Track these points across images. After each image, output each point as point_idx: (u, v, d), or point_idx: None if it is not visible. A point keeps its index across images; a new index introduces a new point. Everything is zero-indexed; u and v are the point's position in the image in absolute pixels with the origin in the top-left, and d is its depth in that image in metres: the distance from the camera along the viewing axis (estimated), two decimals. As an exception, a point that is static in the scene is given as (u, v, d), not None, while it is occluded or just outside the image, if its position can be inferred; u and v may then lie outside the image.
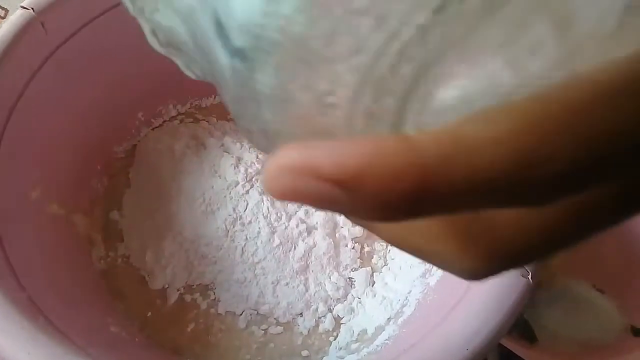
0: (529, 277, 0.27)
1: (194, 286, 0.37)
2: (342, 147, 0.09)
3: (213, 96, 0.46)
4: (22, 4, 0.33)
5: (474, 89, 0.10)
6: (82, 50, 0.36)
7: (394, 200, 0.09)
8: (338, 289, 0.37)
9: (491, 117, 0.09)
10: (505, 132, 0.09)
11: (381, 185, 0.09)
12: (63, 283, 0.33)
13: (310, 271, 0.38)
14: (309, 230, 0.38)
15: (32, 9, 0.33)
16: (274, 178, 0.10)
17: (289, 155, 0.09)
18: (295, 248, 0.38)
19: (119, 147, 0.42)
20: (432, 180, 0.09)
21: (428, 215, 0.10)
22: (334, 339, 0.36)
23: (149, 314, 0.37)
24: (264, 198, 0.38)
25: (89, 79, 0.37)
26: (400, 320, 0.34)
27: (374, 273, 0.39)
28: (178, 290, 0.37)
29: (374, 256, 0.39)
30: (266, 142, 0.13)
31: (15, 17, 0.33)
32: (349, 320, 0.37)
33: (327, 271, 0.38)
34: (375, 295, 0.37)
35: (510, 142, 0.09)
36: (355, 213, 0.10)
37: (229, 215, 0.38)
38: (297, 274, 0.37)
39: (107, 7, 0.35)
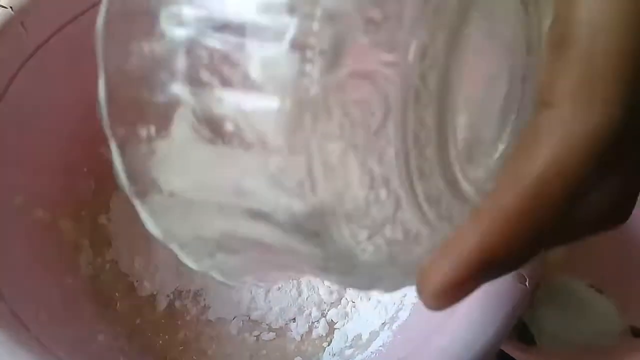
0: (526, 283, 0.27)
1: (184, 292, 0.37)
2: (451, 259, 0.13)
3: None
4: (1, 3, 0.32)
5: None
6: (65, 49, 0.35)
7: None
8: (332, 292, 0.37)
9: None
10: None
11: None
12: (48, 291, 0.32)
13: (303, 275, 0.37)
14: (302, 233, 0.37)
15: (11, 7, 0.31)
16: (436, 301, 0.13)
17: (432, 287, 0.13)
18: (287, 251, 0.37)
19: (106, 148, 0.41)
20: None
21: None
22: (328, 345, 0.36)
23: (138, 321, 0.36)
24: (255, 200, 0.37)
25: (73, 79, 0.36)
26: (395, 326, 0.33)
27: (369, 276, 0.38)
28: (167, 296, 0.36)
29: (369, 258, 0.39)
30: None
31: (-6, 17, 0.31)
32: (343, 325, 0.36)
33: (321, 275, 0.37)
34: (369, 299, 0.37)
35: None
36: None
37: (219, 219, 0.37)
38: (289, 278, 0.36)
39: (89, 5, 0.34)
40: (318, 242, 0.13)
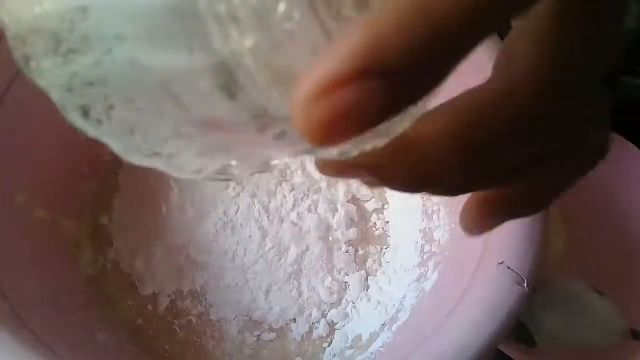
0: (524, 284, 0.27)
1: (185, 292, 0.37)
2: (338, 46, 0.09)
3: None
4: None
5: None
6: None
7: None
8: (332, 293, 0.37)
9: None
10: None
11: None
12: (49, 290, 0.32)
13: (303, 275, 0.37)
14: (302, 234, 0.37)
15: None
16: (306, 115, 0.10)
17: (304, 88, 0.10)
18: (287, 252, 0.37)
19: (107, 149, 0.41)
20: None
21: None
22: (328, 345, 0.36)
23: (139, 320, 0.36)
24: (255, 201, 0.37)
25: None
26: (395, 327, 0.33)
27: (369, 277, 0.38)
28: (169, 296, 0.37)
29: (369, 259, 0.39)
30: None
31: (-4, 18, 0.32)
32: (343, 326, 0.36)
33: (321, 275, 0.37)
34: (369, 300, 0.37)
35: None
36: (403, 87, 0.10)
37: (220, 219, 0.37)
38: (289, 278, 0.37)
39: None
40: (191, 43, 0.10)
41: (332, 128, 0.10)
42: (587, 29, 0.12)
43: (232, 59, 0.10)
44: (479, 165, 0.13)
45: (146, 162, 0.13)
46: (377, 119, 0.10)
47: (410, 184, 0.13)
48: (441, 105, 0.13)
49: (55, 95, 0.12)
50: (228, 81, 0.11)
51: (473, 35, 0.10)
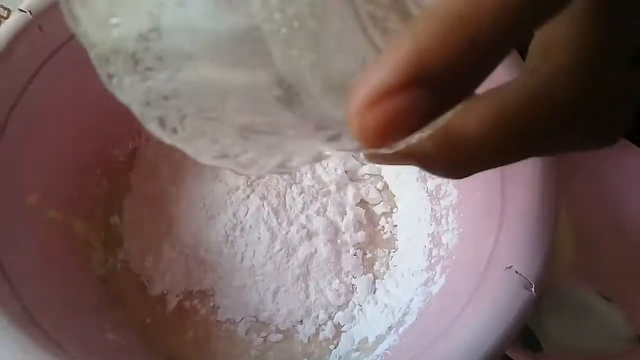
0: (532, 289, 0.27)
1: (194, 292, 0.37)
2: (388, 59, 0.11)
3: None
4: (20, 7, 0.32)
5: None
6: (81, 53, 0.35)
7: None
8: (339, 296, 0.37)
9: None
10: None
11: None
12: (60, 290, 0.33)
13: (311, 278, 0.37)
14: (310, 236, 0.38)
15: (30, 12, 0.32)
16: (361, 122, 0.11)
17: (359, 98, 0.11)
18: (295, 254, 0.37)
19: (119, 151, 0.41)
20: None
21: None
22: (334, 347, 0.36)
23: (148, 320, 0.36)
24: (265, 203, 0.38)
25: (88, 82, 0.37)
26: (401, 330, 0.33)
27: (376, 280, 0.38)
28: (177, 296, 0.37)
29: (376, 262, 0.39)
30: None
31: (13, 20, 0.32)
32: (350, 329, 0.36)
33: (328, 278, 0.37)
34: (376, 303, 0.37)
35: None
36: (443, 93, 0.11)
37: (229, 221, 0.37)
38: (297, 280, 0.37)
39: (105, 10, 0.35)
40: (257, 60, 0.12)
41: (384, 132, 0.11)
42: (624, 12, 0.13)
43: (291, 76, 0.12)
44: (517, 152, 0.14)
45: (215, 163, 0.15)
46: (423, 122, 0.11)
47: (454, 172, 0.15)
48: (479, 98, 0.14)
49: (135, 108, 0.13)
50: (287, 93, 0.12)
51: (506, 43, 0.11)
